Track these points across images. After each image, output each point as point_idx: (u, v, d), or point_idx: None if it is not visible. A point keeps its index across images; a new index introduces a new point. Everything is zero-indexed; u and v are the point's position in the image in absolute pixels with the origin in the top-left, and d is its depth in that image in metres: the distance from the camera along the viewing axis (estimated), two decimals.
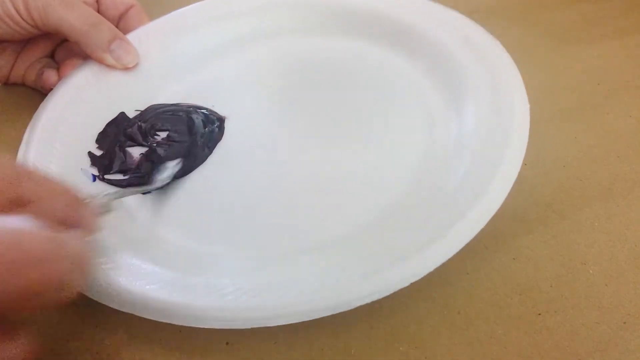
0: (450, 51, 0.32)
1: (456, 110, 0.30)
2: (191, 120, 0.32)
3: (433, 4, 0.35)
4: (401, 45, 0.34)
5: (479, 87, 0.29)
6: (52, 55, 0.37)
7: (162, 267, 0.24)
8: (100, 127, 0.32)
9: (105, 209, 0.23)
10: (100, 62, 0.33)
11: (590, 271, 0.25)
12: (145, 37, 0.36)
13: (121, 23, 0.36)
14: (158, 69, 0.35)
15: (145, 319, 0.23)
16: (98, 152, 0.30)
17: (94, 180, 0.28)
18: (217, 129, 0.31)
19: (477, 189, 0.24)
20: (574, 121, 0.34)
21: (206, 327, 0.21)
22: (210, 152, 0.30)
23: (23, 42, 0.35)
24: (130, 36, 0.35)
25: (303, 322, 0.23)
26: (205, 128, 0.31)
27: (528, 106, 0.27)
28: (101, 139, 0.31)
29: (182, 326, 0.23)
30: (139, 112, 0.33)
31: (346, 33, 0.36)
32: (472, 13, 0.47)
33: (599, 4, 0.47)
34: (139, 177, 0.29)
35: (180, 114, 0.32)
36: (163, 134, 0.31)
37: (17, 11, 0.31)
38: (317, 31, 0.37)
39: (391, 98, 0.32)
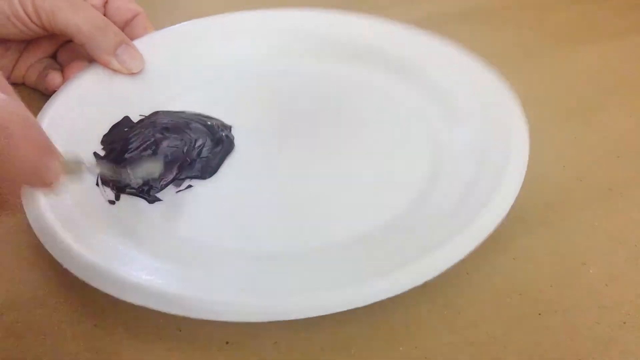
0: (444, 75, 0.34)
1: (456, 126, 0.31)
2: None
3: (426, 36, 0.36)
4: (399, 70, 0.36)
5: (474, 105, 0.31)
6: (54, 56, 0.37)
7: (172, 263, 0.24)
8: (105, 128, 0.31)
9: (74, 169, 0.23)
10: (105, 65, 0.33)
11: (590, 271, 0.25)
12: (153, 45, 0.36)
13: (126, 30, 0.36)
14: (164, 77, 0.35)
15: (145, 318, 0.23)
16: (103, 153, 0.30)
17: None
18: (226, 138, 0.32)
19: (482, 199, 0.24)
20: (574, 121, 0.34)
21: (214, 319, 0.21)
22: (219, 163, 0.30)
23: (25, 42, 0.35)
24: (138, 43, 0.35)
25: (303, 322, 0.23)
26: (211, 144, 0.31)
27: (526, 126, 0.28)
28: (105, 141, 0.31)
29: (182, 326, 0.23)
30: (143, 117, 0.33)
31: (347, 60, 0.37)
32: (473, 13, 0.47)
33: (599, 4, 0.47)
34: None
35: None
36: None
37: (26, 12, 0.31)
38: (323, 56, 0.37)
39: (394, 114, 0.34)
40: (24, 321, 0.23)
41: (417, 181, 0.28)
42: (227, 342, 0.23)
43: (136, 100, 0.33)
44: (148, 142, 0.31)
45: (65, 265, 0.23)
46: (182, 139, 0.31)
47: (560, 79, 0.38)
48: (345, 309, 0.21)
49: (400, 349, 0.22)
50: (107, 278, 0.22)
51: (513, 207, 0.28)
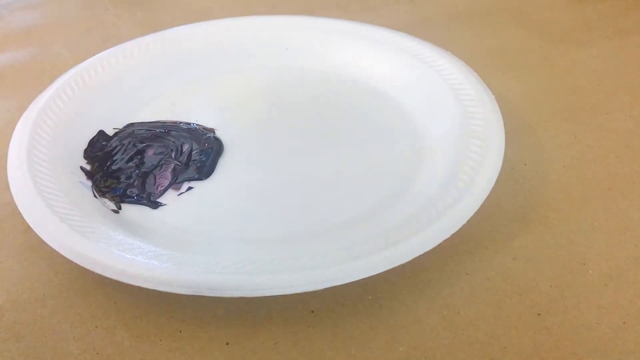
0: (424, 74, 0.35)
1: (435, 119, 0.32)
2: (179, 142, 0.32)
3: (408, 38, 0.37)
4: (383, 70, 0.37)
5: (452, 102, 0.32)
6: None
7: (171, 249, 0.24)
8: (79, 143, 0.31)
9: None
10: None
11: (590, 271, 0.25)
12: (127, 54, 0.36)
13: None
14: (136, 86, 0.36)
15: (146, 319, 0.23)
16: (88, 167, 0.30)
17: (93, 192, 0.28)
18: (214, 139, 0.32)
19: (462, 186, 0.25)
20: (574, 121, 0.34)
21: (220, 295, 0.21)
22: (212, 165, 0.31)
23: None
24: (113, 50, 0.36)
25: (303, 322, 0.23)
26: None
27: (500, 115, 0.30)
28: (87, 156, 0.31)
29: (182, 327, 0.23)
30: (117, 130, 0.33)
31: (329, 60, 0.38)
32: (472, 13, 0.47)
33: (599, 4, 0.47)
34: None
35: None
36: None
37: None
38: (306, 56, 0.39)
39: (377, 109, 0.35)
40: (24, 322, 0.24)
41: (400, 171, 0.30)
42: (227, 343, 0.23)
43: (111, 112, 0.34)
44: (132, 153, 0.31)
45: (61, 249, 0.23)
46: (166, 146, 0.32)
47: (560, 79, 0.38)
48: (330, 285, 0.22)
49: (400, 349, 0.22)
50: (107, 262, 0.22)
51: (513, 207, 0.28)
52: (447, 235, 0.23)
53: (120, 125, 0.33)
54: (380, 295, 0.24)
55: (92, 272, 0.22)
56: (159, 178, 0.29)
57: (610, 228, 0.27)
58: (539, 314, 0.23)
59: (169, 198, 0.28)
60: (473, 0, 0.49)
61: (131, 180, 0.29)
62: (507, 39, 0.43)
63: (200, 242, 0.26)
